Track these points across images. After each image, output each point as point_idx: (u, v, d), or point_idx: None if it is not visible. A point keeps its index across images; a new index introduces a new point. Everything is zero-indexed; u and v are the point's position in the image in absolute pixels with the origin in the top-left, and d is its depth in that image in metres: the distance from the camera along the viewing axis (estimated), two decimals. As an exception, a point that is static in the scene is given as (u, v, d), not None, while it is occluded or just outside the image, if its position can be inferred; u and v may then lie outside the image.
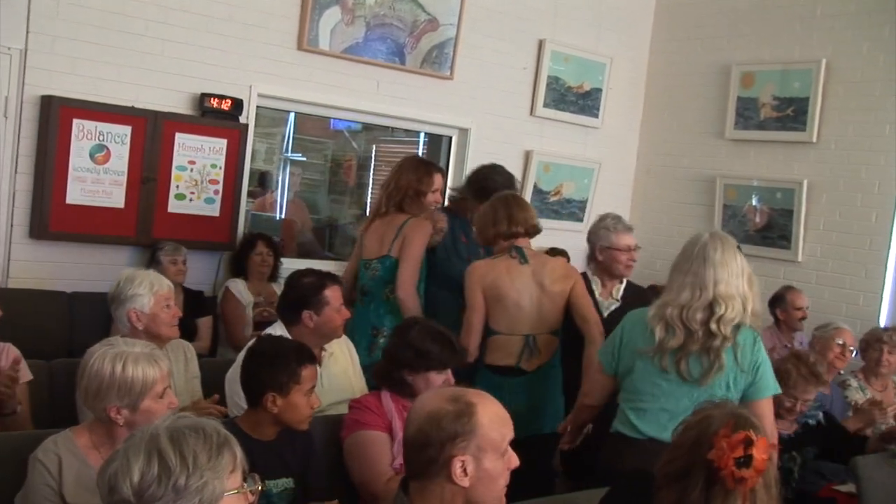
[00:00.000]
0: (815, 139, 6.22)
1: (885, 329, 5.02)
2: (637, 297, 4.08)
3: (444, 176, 4.83)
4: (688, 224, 6.82)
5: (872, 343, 4.88)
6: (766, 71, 6.48)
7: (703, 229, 6.66)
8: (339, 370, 3.54)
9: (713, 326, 2.85)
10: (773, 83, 6.43)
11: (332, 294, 3.39)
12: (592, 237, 4.15)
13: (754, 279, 2.96)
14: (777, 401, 3.36)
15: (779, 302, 5.54)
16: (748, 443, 1.94)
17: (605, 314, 3.92)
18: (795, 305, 5.47)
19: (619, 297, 4.07)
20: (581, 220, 6.88)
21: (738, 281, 2.87)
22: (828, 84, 6.18)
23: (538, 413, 3.68)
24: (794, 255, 6.26)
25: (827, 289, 6.05)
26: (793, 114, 6.33)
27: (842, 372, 4.89)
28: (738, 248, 3.01)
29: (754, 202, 6.52)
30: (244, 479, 1.64)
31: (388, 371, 3.03)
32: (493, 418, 2.00)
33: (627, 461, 2.90)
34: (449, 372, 3.02)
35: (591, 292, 3.96)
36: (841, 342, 4.82)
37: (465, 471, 1.96)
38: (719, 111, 6.77)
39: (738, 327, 2.90)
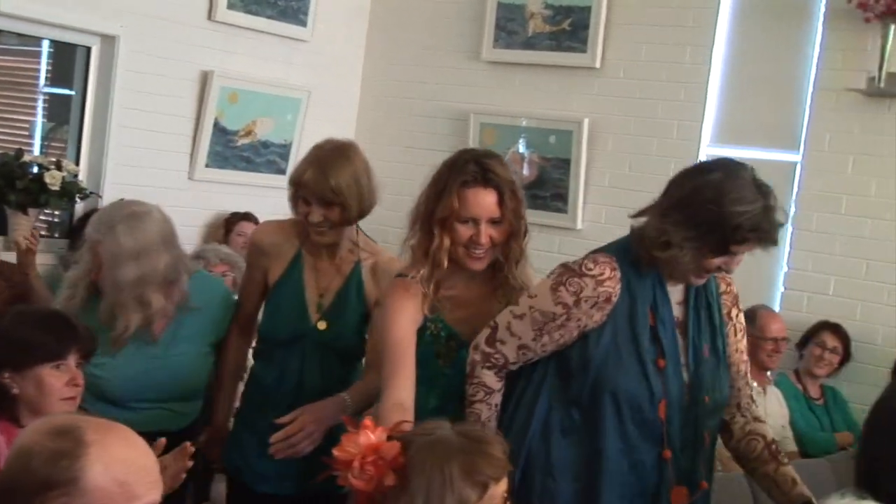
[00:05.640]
0: (598, 64, 6.42)
1: None
2: None
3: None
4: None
5: None
6: (535, -32, 6.67)
7: None
8: None
9: None
10: (545, -14, 6.71)
11: None
12: None
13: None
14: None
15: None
16: None
17: None
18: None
19: None
20: (283, 171, 6.73)
21: None
22: (614, -11, 6.47)
23: None
24: (572, 221, 6.45)
25: (614, 265, 6.15)
26: (570, 28, 6.50)
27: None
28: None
29: (521, 148, 6.67)
30: None
31: None
32: (113, 466, 1.88)
33: None
34: (72, 366, 2.97)
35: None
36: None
37: None
38: (474, 23, 6.87)
39: None
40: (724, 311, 3.09)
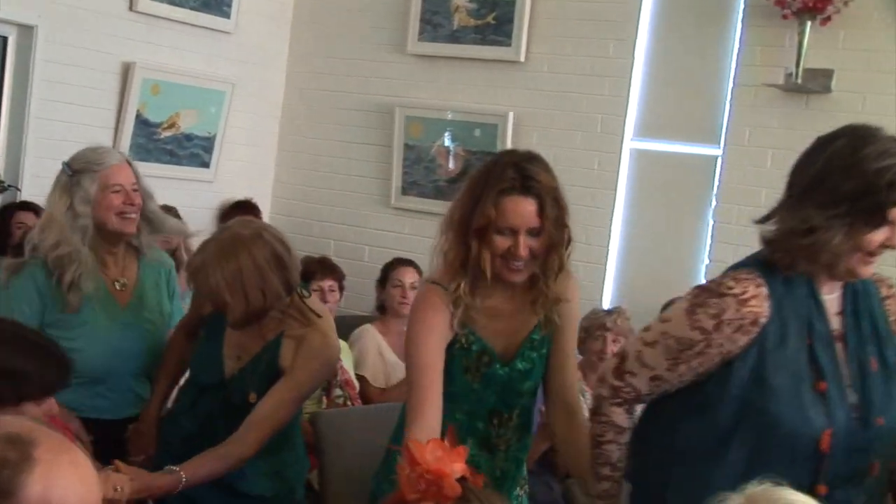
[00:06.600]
0: (523, 57, 6.40)
1: (609, 312, 5.15)
2: None
3: None
4: (357, 170, 7.02)
5: (593, 331, 4.99)
6: (460, -38, 6.66)
7: (378, 176, 6.87)
8: None
9: None
10: (469, -20, 6.68)
11: None
12: None
13: None
14: None
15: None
16: None
17: None
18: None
19: None
20: (207, 164, 6.74)
21: None
22: (538, -16, 6.43)
23: None
24: None
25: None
26: (495, 22, 6.48)
27: None
28: None
29: (447, 142, 6.64)
30: None
31: None
32: (54, 490, 1.73)
33: None
34: (52, 399, 2.75)
35: None
36: None
37: None
38: (399, 16, 6.84)
39: None
40: (892, 318, 2.64)
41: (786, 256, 2.47)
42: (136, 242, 3.64)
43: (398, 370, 5.21)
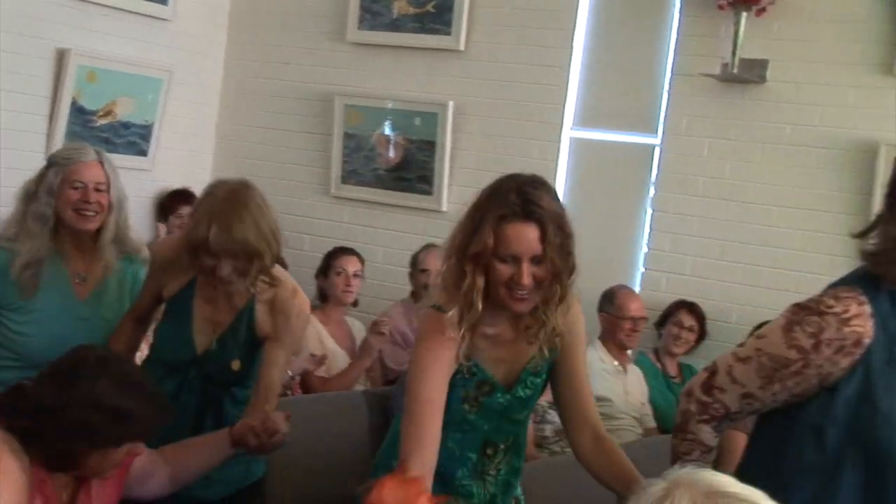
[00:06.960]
0: (463, 46, 6.40)
1: None
2: None
3: None
4: (297, 159, 6.97)
5: None
6: (398, -50, 6.62)
7: (317, 165, 6.85)
8: None
9: None
10: (408, -33, 6.62)
11: None
12: None
13: None
14: None
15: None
16: None
17: None
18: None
19: None
20: (145, 153, 6.63)
21: None
22: (476, -28, 6.41)
23: None
24: (438, 203, 6.40)
25: (478, 247, 6.18)
26: (435, 10, 6.46)
27: None
28: None
29: (387, 130, 6.61)
30: None
31: (45, 434, 2.51)
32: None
33: None
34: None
35: None
36: None
37: None
38: (338, 4, 6.81)
39: None
40: None
41: (891, 268, 2.30)
42: (103, 241, 3.58)
43: (339, 359, 5.23)
